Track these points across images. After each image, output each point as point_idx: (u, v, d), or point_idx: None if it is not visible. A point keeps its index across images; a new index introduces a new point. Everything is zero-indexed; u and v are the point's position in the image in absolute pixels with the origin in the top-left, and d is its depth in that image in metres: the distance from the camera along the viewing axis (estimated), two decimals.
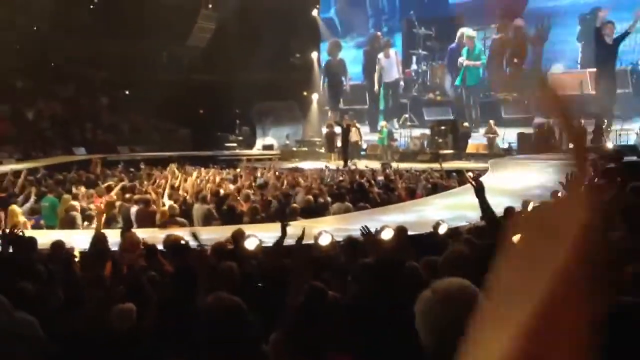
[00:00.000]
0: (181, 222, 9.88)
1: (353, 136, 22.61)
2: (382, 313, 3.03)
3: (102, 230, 7.95)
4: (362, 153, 23.61)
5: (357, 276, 3.79)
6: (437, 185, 14.10)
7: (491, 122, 22.46)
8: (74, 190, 13.19)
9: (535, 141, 20.14)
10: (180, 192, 12.94)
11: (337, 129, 23.03)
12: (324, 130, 25.09)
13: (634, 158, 14.39)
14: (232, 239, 6.56)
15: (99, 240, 7.15)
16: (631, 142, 18.72)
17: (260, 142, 27.42)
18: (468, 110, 24.45)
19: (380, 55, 26.35)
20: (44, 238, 7.78)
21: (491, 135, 22.08)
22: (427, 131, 22.95)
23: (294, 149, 25.50)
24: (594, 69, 21.39)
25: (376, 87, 26.68)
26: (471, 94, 24.68)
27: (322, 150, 24.07)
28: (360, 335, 2.73)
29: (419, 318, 1.85)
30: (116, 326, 3.76)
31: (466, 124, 22.70)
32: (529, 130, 21.24)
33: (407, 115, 25.65)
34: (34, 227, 10.20)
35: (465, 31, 24.56)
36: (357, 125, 23.66)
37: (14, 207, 10.57)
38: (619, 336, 2.02)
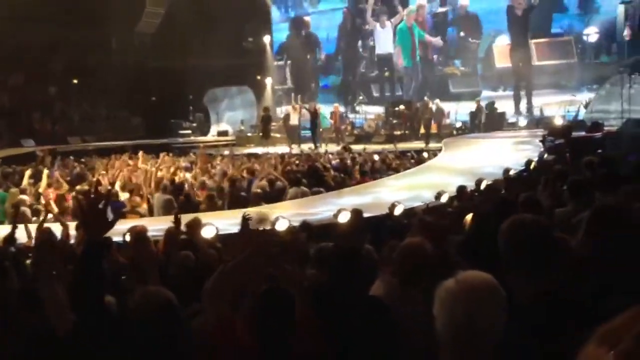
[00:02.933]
0: (141, 212, 9.76)
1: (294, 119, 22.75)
2: (342, 297, 3.05)
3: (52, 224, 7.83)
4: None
5: (317, 260, 3.81)
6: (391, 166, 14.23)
7: (426, 99, 22.24)
8: (22, 184, 12.85)
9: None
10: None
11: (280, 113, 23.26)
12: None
13: (582, 133, 14.69)
14: (188, 227, 6.50)
15: (44, 235, 7.03)
16: (580, 115, 19.01)
17: (214, 129, 27.17)
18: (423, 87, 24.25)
19: (376, 26, 25.40)
20: None
21: (426, 116, 21.47)
22: (382, 111, 23.02)
23: (249, 134, 25.33)
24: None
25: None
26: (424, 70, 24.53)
27: (278, 135, 23.59)
28: (322, 320, 2.74)
29: (439, 306, 1.84)
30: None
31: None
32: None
33: (361, 97, 25.73)
34: None
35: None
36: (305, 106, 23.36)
37: None
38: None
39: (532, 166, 10.70)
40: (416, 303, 3.02)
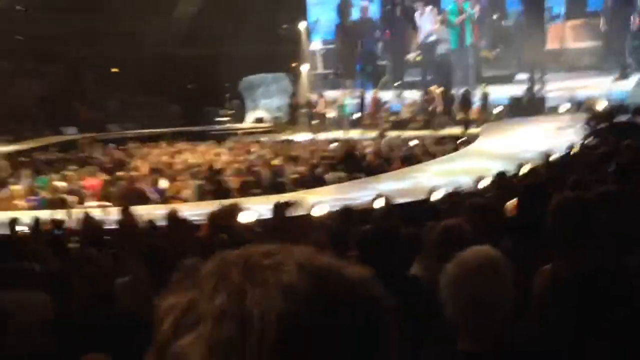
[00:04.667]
0: (183, 198, 9.90)
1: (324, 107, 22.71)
2: (380, 277, 3.05)
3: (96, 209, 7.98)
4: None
5: (357, 243, 3.80)
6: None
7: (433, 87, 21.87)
8: (64, 171, 13.09)
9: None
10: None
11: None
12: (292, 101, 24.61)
13: (624, 118, 14.34)
14: (227, 212, 6.54)
15: (89, 220, 7.18)
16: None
17: (251, 116, 27.26)
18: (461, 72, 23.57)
19: (417, 13, 24.59)
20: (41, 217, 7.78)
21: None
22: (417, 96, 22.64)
23: (286, 121, 25.36)
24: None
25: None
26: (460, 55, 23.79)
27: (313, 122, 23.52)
28: None
29: (445, 291, 1.83)
30: (118, 301, 3.76)
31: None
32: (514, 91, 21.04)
33: (385, 78, 25.38)
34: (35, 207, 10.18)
35: None
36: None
37: (15, 187, 10.55)
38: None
39: (573, 151, 10.49)
40: None
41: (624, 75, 20.25)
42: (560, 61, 21.53)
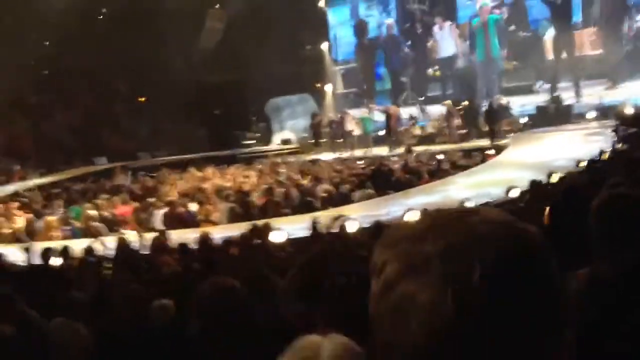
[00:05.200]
0: (214, 221, 10.02)
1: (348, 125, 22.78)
2: None
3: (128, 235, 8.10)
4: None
5: None
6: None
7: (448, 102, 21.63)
8: (97, 200, 13.31)
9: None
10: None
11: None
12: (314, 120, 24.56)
13: None
14: (259, 232, 6.59)
15: (123, 247, 7.31)
16: None
17: (278, 137, 27.42)
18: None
19: (435, 28, 24.57)
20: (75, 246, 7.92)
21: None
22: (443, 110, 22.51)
23: (312, 141, 25.44)
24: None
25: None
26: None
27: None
28: None
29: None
30: (155, 321, 3.81)
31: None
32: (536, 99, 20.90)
33: (406, 94, 25.37)
34: (69, 237, 10.36)
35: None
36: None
37: (49, 218, 10.74)
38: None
39: (605, 156, 10.36)
40: None
41: (614, 84, 20.10)
42: (578, 69, 21.32)
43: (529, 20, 23.17)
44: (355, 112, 23.71)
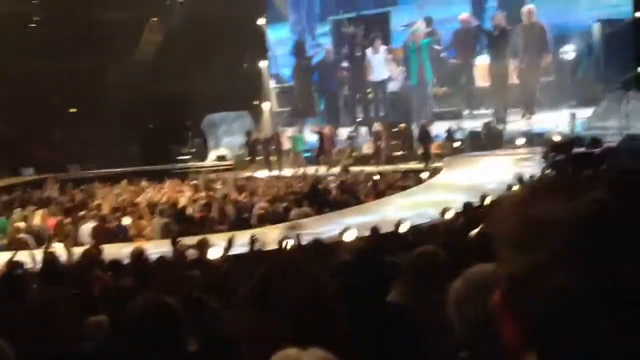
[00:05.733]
0: (147, 236, 9.79)
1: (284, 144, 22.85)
2: (361, 303, 3.09)
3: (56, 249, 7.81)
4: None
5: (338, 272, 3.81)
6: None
7: (376, 124, 22.28)
8: (22, 210, 12.79)
9: None
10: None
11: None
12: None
13: (582, 149, 14.72)
14: (197, 247, 6.47)
15: (50, 260, 7.04)
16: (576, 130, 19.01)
17: (213, 154, 27.17)
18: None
19: (368, 51, 24.62)
20: None
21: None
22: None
23: (248, 158, 25.31)
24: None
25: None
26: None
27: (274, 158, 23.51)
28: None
29: (452, 309, 1.82)
30: (89, 338, 3.66)
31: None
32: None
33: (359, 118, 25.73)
34: None
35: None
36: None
37: None
38: None
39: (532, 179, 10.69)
40: (431, 307, 3.03)
41: (529, 112, 21.05)
42: (506, 97, 22.06)
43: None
44: (289, 131, 23.79)
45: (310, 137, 23.47)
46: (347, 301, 3.16)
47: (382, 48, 24.57)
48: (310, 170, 20.26)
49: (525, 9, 21.30)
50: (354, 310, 2.98)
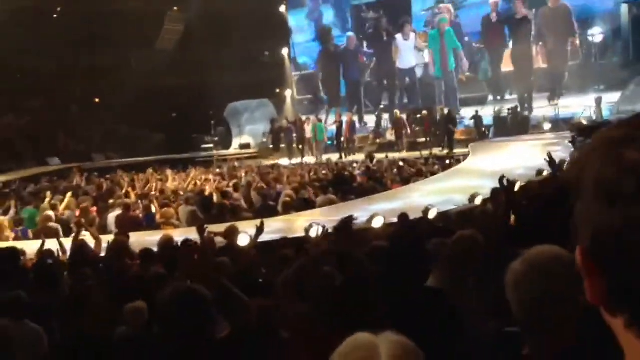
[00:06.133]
0: (175, 224, 9.80)
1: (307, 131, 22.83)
2: (401, 288, 3.06)
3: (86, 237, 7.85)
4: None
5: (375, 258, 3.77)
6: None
7: (396, 111, 22.19)
8: (51, 200, 12.88)
9: None
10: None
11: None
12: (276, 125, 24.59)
13: None
14: (225, 235, 6.45)
15: (80, 248, 7.07)
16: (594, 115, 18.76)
17: (237, 142, 27.22)
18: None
19: (398, 36, 24.33)
20: (27, 248, 7.63)
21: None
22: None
23: (271, 146, 25.34)
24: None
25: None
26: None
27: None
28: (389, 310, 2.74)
29: (509, 290, 1.78)
30: (129, 325, 3.66)
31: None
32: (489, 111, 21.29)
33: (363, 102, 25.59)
34: (20, 237, 10.02)
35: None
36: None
37: (1, 219, 10.38)
38: None
39: (565, 167, 10.50)
40: (468, 290, 3.17)
41: (556, 97, 20.80)
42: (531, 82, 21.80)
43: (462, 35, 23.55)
44: (311, 119, 23.71)
45: (332, 125, 23.38)
46: (387, 286, 3.13)
47: (412, 35, 24.14)
48: (334, 157, 20.23)
49: None
50: (394, 295, 2.94)
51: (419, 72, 24.54)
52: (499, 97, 22.79)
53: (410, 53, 24.21)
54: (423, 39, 24.19)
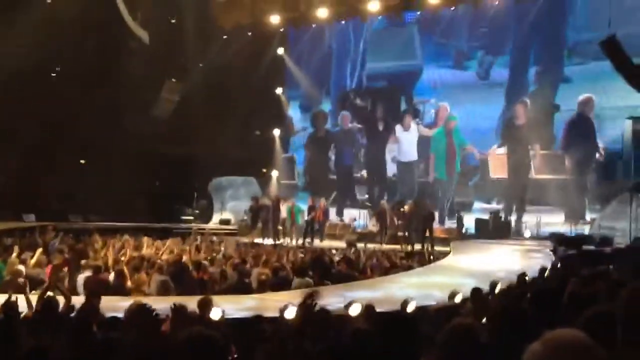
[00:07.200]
0: (145, 292, 9.54)
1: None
2: None
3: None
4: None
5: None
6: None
7: (383, 202, 22.04)
8: (20, 255, 12.55)
9: None
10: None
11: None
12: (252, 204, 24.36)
13: (591, 247, 14.62)
14: (199, 307, 6.23)
15: (49, 306, 6.80)
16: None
17: (217, 217, 27.03)
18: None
19: (398, 127, 23.45)
20: None
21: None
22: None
23: (250, 224, 25.15)
24: None
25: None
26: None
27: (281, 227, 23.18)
28: None
29: None
30: None
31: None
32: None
33: (335, 193, 25.59)
34: None
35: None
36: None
37: None
38: None
39: (546, 274, 10.47)
40: None
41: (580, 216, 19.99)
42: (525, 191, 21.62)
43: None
44: (288, 201, 23.58)
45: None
46: None
47: (414, 126, 23.14)
48: (313, 242, 20.13)
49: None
50: None
51: (416, 171, 23.83)
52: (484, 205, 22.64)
53: (411, 146, 23.31)
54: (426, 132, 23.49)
